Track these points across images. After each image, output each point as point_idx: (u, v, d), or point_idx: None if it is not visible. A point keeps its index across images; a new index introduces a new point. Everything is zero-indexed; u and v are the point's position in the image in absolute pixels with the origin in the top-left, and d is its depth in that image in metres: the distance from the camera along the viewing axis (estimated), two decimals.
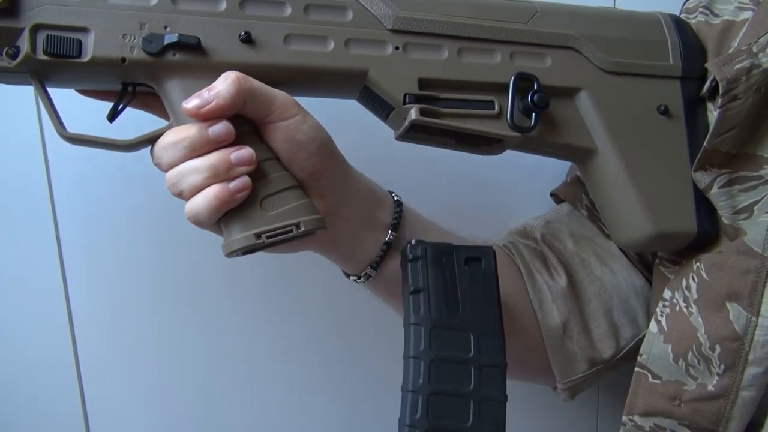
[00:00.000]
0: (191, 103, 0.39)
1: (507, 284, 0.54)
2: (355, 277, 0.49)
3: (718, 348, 0.45)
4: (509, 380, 0.64)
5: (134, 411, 0.63)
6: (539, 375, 0.56)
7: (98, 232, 0.59)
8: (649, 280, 0.55)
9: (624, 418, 0.48)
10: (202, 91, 0.39)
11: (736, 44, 0.48)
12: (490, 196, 0.67)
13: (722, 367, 0.45)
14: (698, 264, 0.47)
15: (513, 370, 0.57)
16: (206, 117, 0.39)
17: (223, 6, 0.41)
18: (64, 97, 0.41)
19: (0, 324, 0.58)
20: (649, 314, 0.55)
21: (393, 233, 0.48)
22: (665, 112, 0.49)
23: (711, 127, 0.45)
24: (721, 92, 0.43)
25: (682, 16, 0.54)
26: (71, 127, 0.40)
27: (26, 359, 0.59)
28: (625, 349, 0.55)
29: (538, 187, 0.64)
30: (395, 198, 0.50)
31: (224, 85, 0.39)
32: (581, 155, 0.49)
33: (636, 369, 0.48)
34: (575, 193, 0.59)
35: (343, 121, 0.48)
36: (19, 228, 0.58)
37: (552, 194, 0.63)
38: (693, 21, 0.52)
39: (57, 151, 0.57)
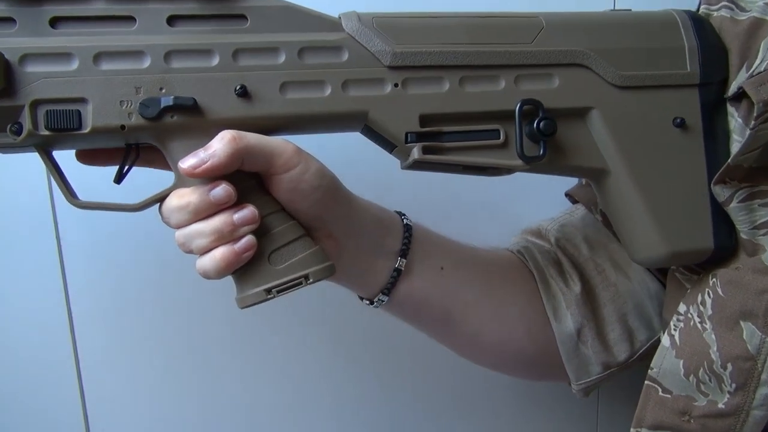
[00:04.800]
0: (187, 162, 0.39)
1: (521, 293, 0.55)
2: (368, 302, 0.50)
3: (729, 366, 0.44)
4: (522, 379, 0.65)
5: (134, 411, 0.63)
6: (553, 375, 0.57)
7: (98, 232, 0.59)
8: (663, 284, 0.55)
9: (632, 430, 0.49)
10: (198, 150, 0.39)
11: (765, 45, 0.45)
12: (502, 196, 0.66)
13: (734, 385, 0.45)
14: (714, 279, 0.46)
15: (527, 371, 0.59)
16: (203, 176, 0.39)
17: (216, 60, 0.41)
18: (71, 160, 0.42)
19: (0, 324, 0.59)
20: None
21: (402, 259, 0.48)
22: (681, 124, 0.47)
23: (738, 138, 0.43)
24: (756, 114, 0.41)
25: (702, 7, 0.50)
26: (79, 190, 0.41)
27: (26, 359, 0.60)
28: (640, 352, 0.55)
29: (551, 187, 0.63)
30: (405, 222, 0.50)
31: (220, 145, 0.39)
32: (593, 175, 0.48)
33: (646, 382, 0.49)
34: (590, 196, 0.57)
35: (345, 146, 0.47)
36: (19, 228, 0.58)
37: (567, 194, 0.62)
38: (715, 15, 0.49)
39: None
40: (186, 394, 0.64)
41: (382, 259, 0.48)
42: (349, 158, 0.45)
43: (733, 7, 0.48)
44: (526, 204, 0.66)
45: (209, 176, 0.39)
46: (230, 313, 0.61)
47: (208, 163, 0.39)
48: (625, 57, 0.46)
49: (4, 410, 0.60)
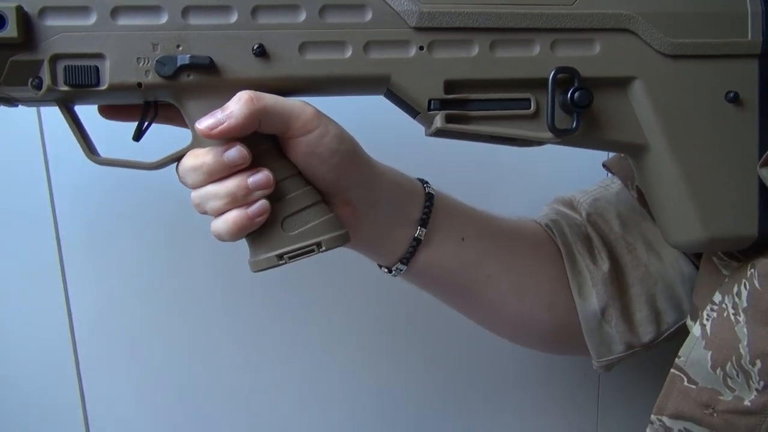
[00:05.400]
0: (204, 123, 0.38)
1: (546, 268, 0.53)
2: (386, 270, 0.50)
3: (758, 363, 0.42)
4: (499, 381, 0.63)
5: (134, 411, 0.63)
6: (575, 350, 0.56)
7: (98, 232, 0.59)
8: (697, 266, 0.52)
9: (653, 417, 0.48)
10: (215, 111, 0.38)
11: None
12: (535, 160, 0.62)
13: (762, 383, 0.42)
14: (752, 270, 0.43)
15: (547, 345, 0.58)
16: (219, 137, 0.38)
17: (235, 17, 0.39)
18: (90, 118, 0.42)
19: (0, 324, 0.59)
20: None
21: (423, 228, 0.47)
22: (735, 99, 0.43)
23: None
24: None
25: None
26: (100, 147, 0.42)
27: (26, 359, 0.60)
28: (665, 334, 0.54)
29: (588, 154, 0.59)
30: (426, 190, 0.49)
31: (237, 105, 0.38)
32: (631, 150, 0.45)
33: (672, 370, 0.47)
34: (628, 171, 0.54)
35: (367, 109, 0.46)
36: (19, 228, 0.58)
37: (604, 165, 0.58)
38: None
39: (57, 151, 0.57)
40: (186, 394, 0.64)
41: (402, 227, 0.47)
42: (370, 122, 0.44)
43: None
44: (559, 171, 0.63)
45: (226, 137, 0.39)
46: (231, 314, 0.63)
47: (225, 124, 0.38)
48: (677, 22, 0.42)
49: (5, 410, 0.60)
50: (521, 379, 0.70)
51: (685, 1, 0.43)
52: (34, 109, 0.56)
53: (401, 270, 0.48)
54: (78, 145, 0.41)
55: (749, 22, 0.43)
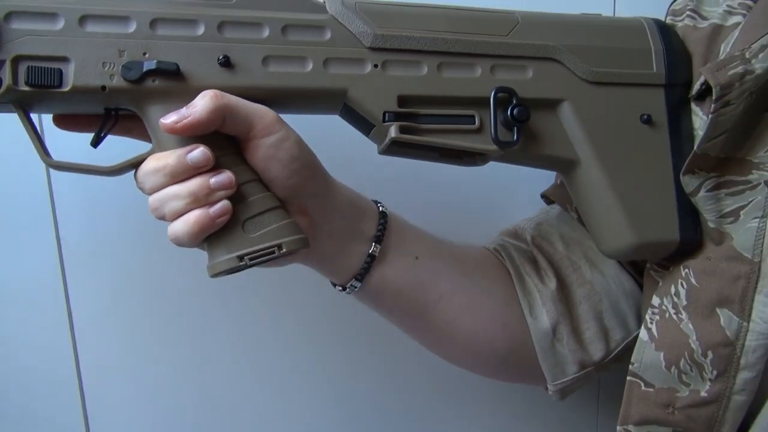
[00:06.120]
0: (169, 118, 0.39)
1: (497, 288, 0.55)
2: (341, 288, 0.50)
3: (710, 354, 0.45)
4: (500, 382, 0.65)
5: (134, 411, 0.63)
6: (529, 375, 0.57)
7: (98, 232, 0.60)
8: (638, 282, 0.56)
9: (618, 428, 0.49)
10: (181, 108, 0.39)
11: (725, 48, 0.48)
12: (480, 197, 0.67)
13: (714, 372, 0.45)
14: (687, 270, 0.47)
15: (501, 370, 0.58)
16: (183, 132, 0.39)
17: (202, 30, 0.42)
18: (48, 122, 0.42)
19: (0, 325, 0.59)
20: (638, 316, 0.55)
21: (377, 245, 0.49)
22: (648, 120, 0.49)
23: (702, 132, 0.45)
24: (714, 97, 0.43)
25: (668, 18, 0.53)
26: (55, 153, 0.41)
27: (26, 360, 0.60)
28: (615, 352, 0.55)
29: (528, 189, 0.65)
30: (380, 209, 0.51)
31: (202, 101, 0.39)
32: (564, 166, 0.49)
33: (628, 378, 0.49)
34: (565, 195, 0.59)
35: (327, 125, 0.48)
36: (19, 228, 0.58)
37: (543, 195, 0.63)
38: (680, 25, 0.52)
39: (57, 151, 0.57)
40: (186, 394, 0.64)
41: (356, 243, 0.48)
42: (328, 155, 0.46)
43: (696, 16, 0.51)
44: (504, 207, 0.67)
45: (190, 133, 0.39)
46: (231, 314, 0.63)
47: (189, 118, 0.39)
48: (595, 54, 0.49)
49: (5, 410, 0.60)
50: None
51: (600, 37, 0.49)
52: None
53: (355, 287, 0.49)
54: (34, 149, 0.40)
55: (653, 57, 0.50)
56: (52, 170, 0.58)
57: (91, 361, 0.61)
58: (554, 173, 0.63)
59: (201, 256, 0.60)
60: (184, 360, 0.63)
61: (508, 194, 0.67)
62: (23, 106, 0.40)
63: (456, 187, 0.66)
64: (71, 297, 0.60)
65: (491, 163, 0.50)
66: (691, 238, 0.48)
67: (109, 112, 0.42)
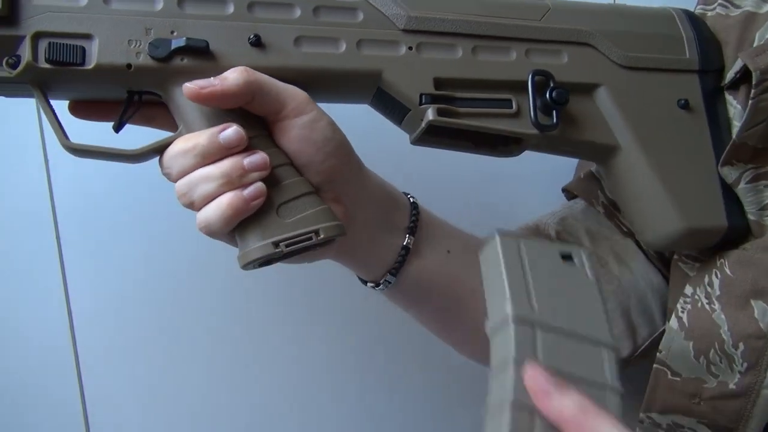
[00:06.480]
0: (196, 82, 0.36)
1: None
2: (373, 284, 0.47)
3: (741, 346, 0.43)
4: None
5: (134, 411, 0.62)
6: None
7: (98, 232, 0.59)
8: (666, 277, 0.54)
9: (641, 415, 0.47)
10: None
11: (763, 35, 0.47)
12: (499, 193, 0.67)
13: (745, 365, 0.43)
14: (722, 260, 0.46)
15: None
16: (207, 99, 0.36)
17: (231, 9, 0.40)
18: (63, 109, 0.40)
19: (0, 324, 0.58)
20: (665, 312, 0.53)
21: (411, 237, 0.46)
22: (686, 105, 0.48)
23: (738, 122, 0.44)
24: (754, 82, 0.42)
25: (698, 7, 0.53)
26: (75, 138, 0.38)
27: (26, 359, 0.59)
28: (641, 348, 0.53)
29: (546, 183, 0.64)
30: (411, 200, 0.48)
31: (233, 74, 0.37)
32: (603, 153, 0.47)
33: (655, 366, 0.47)
34: (590, 190, 0.57)
35: (352, 121, 0.46)
36: (19, 228, 0.57)
37: (564, 190, 0.61)
38: (710, 14, 0.51)
39: (57, 150, 0.55)
40: (186, 394, 0.63)
41: (390, 235, 0.46)
42: (355, 132, 0.44)
43: (728, 5, 0.51)
44: (526, 206, 0.65)
45: (214, 102, 0.37)
46: (231, 313, 0.63)
47: (218, 87, 0.36)
48: (628, 40, 0.48)
49: (5, 410, 0.59)
50: None
51: (632, 23, 0.49)
52: (34, 108, 0.55)
53: (389, 282, 0.46)
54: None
55: (685, 44, 0.49)
56: (52, 170, 0.57)
57: (91, 361, 0.61)
58: (572, 170, 0.62)
59: (201, 256, 0.60)
60: (185, 359, 0.62)
61: (531, 194, 0.66)
62: (42, 87, 0.37)
63: (478, 186, 0.65)
64: (71, 297, 0.59)
65: (510, 160, 0.49)
66: (739, 224, 0.46)
67: (132, 96, 0.40)
